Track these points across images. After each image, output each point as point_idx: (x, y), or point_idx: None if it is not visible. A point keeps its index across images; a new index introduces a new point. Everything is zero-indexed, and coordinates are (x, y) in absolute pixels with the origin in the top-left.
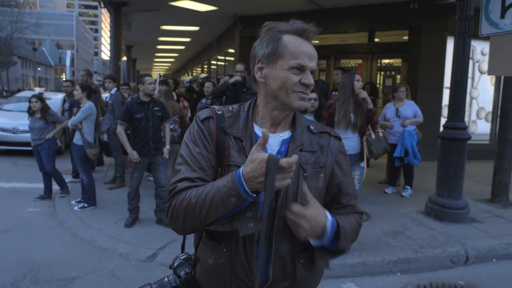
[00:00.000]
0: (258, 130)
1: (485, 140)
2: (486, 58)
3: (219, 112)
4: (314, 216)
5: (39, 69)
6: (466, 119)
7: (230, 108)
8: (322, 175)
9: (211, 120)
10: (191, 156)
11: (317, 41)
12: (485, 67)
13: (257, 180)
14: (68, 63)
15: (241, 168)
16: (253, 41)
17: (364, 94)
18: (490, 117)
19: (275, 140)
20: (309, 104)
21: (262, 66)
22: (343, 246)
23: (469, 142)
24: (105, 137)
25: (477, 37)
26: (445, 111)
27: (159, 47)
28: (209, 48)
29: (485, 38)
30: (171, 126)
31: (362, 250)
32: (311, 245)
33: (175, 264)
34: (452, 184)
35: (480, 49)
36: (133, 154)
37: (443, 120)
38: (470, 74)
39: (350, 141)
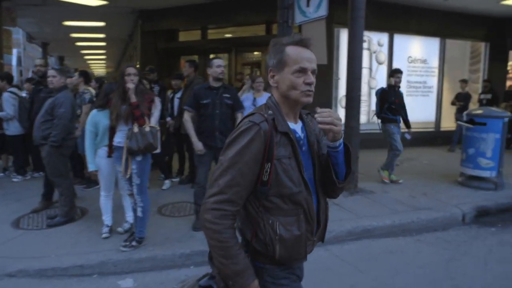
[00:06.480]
0: (291, 124)
1: None
2: (383, 48)
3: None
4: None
5: None
6: (365, 108)
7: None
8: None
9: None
10: None
11: (217, 36)
12: (382, 57)
13: None
14: None
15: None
16: (153, 35)
17: (129, 86)
18: None
19: (299, 128)
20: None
21: (273, 74)
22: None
23: (368, 131)
24: None
25: (372, 27)
26: (343, 102)
27: (79, 44)
28: (128, 44)
29: (381, 28)
30: None
31: (161, 244)
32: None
33: None
34: None
35: (376, 40)
36: (198, 145)
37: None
38: (367, 65)
39: (122, 134)
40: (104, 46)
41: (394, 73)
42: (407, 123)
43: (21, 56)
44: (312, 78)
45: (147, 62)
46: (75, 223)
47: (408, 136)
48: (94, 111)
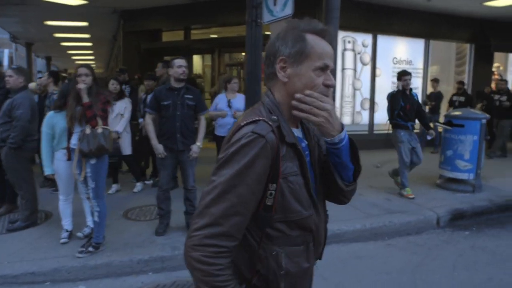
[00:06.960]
0: (294, 131)
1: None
2: (368, 49)
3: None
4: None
5: None
6: (349, 109)
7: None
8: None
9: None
10: None
11: (201, 36)
12: (366, 58)
13: None
14: None
15: None
16: (135, 35)
17: (80, 86)
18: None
19: (300, 134)
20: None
21: (285, 66)
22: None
23: (352, 132)
24: None
25: (357, 28)
26: None
27: (65, 44)
28: (114, 44)
29: (366, 29)
30: None
31: (120, 249)
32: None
33: None
34: None
35: (361, 41)
36: (158, 148)
37: None
38: (352, 66)
39: (77, 135)
40: (90, 47)
41: (400, 76)
42: (426, 126)
43: (13, 56)
44: (333, 80)
45: (129, 62)
46: (36, 228)
47: (428, 137)
48: (51, 112)
